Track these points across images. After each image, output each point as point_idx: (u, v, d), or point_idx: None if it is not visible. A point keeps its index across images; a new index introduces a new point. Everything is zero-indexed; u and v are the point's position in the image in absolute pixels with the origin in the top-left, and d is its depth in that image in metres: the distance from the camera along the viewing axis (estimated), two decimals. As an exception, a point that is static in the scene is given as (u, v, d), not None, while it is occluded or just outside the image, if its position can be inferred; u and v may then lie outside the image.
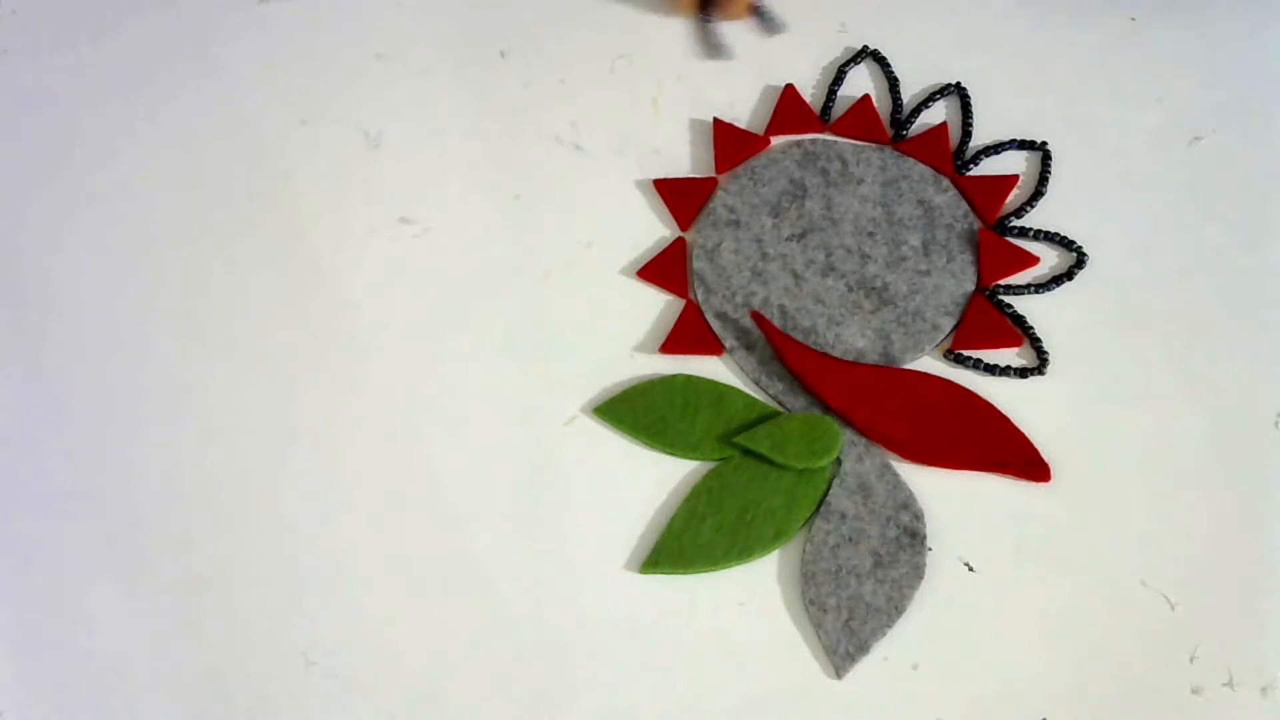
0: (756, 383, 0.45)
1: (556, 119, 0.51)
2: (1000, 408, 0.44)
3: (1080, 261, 0.47)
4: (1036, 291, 0.47)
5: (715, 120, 0.51)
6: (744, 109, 0.52)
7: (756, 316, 0.46)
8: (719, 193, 0.49)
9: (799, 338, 0.46)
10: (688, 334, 0.46)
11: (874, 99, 0.52)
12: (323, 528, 0.43)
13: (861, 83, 0.52)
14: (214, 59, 0.54)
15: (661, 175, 0.50)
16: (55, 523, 0.43)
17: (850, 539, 0.42)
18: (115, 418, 0.45)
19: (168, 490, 0.44)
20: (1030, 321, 0.46)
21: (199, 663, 0.41)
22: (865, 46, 0.53)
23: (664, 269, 0.48)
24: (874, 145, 0.50)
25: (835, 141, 0.50)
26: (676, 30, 0.54)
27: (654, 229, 0.49)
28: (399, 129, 0.52)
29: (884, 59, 0.52)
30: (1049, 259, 0.48)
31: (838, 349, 0.45)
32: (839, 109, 0.51)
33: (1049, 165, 0.49)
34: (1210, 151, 0.50)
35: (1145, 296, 0.47)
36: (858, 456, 0.44)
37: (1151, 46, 0.53)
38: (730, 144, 0.50)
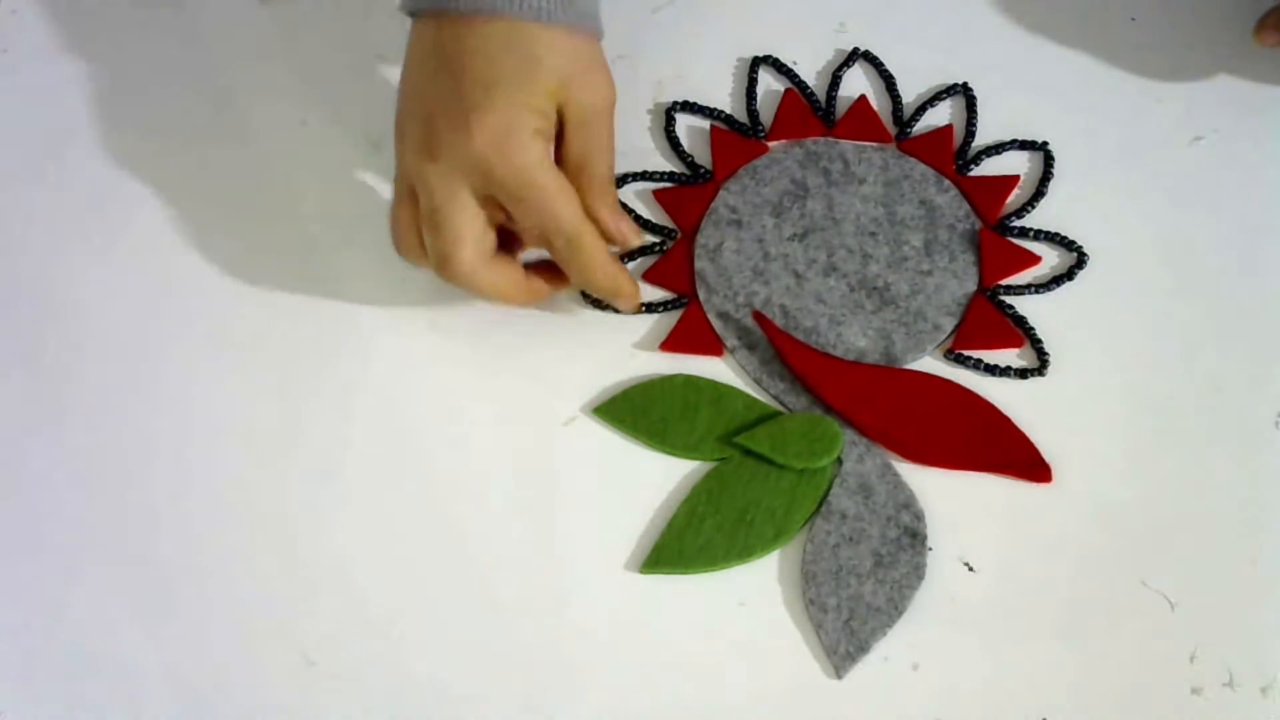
0: (757, 382, 0.45)
1: (557, 118, 0.51)
2: (1000, 408, 0.44)
3: (1080, 261, 0.47)
4: (1037, 291, 0.47)
5: (713, 127, 0.51)
6: (745, 111, 0.52)
7: (758, 316, 0.46)
8: (721, 193, 0.49)
9: (800, 338, 0.46)
10: (688, 334, 0.46)
11: (872, 98, 0.52)
12: (323, 527, 0.43)
13: (862, 85, 0.52)
14: (216, 60, 0.54)
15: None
16: (56, 522, 0.43)
17: (851, 539, 0.42)
18: (116, 417, 0.45)
19: (168, 490, 0.44)
20: (1031, 322, 0.46)
21: (199, 662, 0.41)
22: (856, 49, 0.53)
23: (666, 269, 0.48)
24: (875, 145, 0.50)
25: (837, 141, 0.50)
26: (676, 30, 0.54)
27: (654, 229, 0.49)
28: (399, 128, 0.51)
29: (876, 58, 0.52)
30: (1049, 259, 0.48)
31: (839, 349, 0.45)
32: (839, 111, 0.51)
33: (1050, 165, 0.49)
34: (1210, 151, 0.50)
35: (1145, 296, 0.47)
36: (858, 456, 0.44)
37: (1151, 46, 0.53)
38: (728, 150, 0.50)
